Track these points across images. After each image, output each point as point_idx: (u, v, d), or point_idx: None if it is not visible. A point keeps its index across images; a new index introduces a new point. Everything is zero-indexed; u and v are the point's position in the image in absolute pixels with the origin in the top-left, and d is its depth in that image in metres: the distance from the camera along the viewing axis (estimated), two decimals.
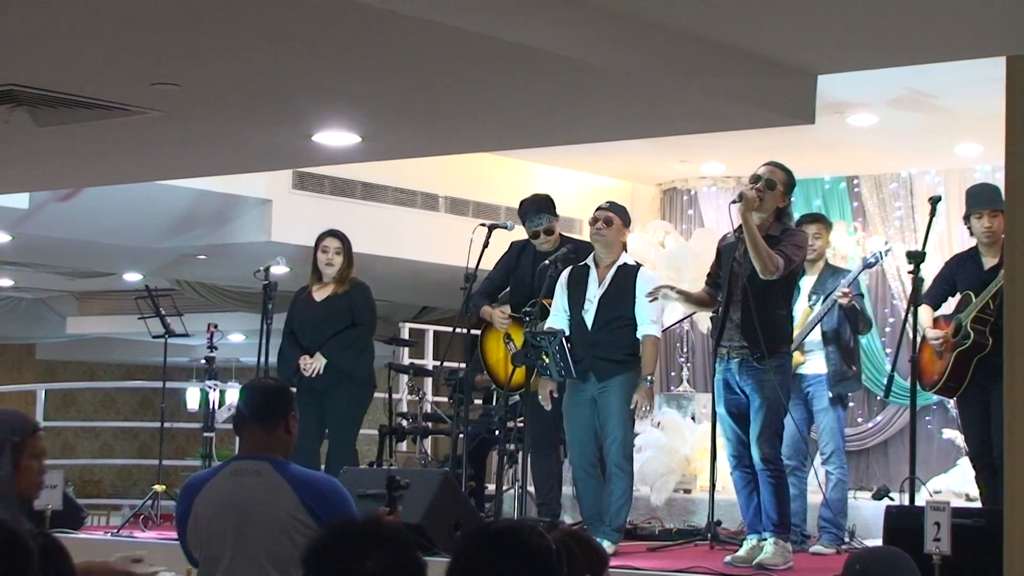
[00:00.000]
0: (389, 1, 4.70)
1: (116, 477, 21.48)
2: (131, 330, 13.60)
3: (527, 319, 7.03)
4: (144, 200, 10.14)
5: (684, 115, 6.50)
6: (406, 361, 11.08)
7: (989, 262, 6.69)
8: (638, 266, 7.12)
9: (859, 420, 10.78)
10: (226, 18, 4.98)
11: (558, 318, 7.07)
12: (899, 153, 10.25)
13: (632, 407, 6.86)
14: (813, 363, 7.38)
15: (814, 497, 7.38)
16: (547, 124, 6.81)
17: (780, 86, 6.08)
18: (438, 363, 10.12)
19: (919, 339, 6.76)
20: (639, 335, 6.89)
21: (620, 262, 7.02)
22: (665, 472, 8.85)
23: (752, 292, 6.26)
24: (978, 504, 6.84)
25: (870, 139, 9.79)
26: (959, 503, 7.25)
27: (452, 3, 4.94)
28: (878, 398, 10.60)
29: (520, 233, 7.84)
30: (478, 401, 9.10)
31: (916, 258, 6.52)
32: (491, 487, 8.53)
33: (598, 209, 7.08)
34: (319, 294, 7.84)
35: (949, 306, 6.91)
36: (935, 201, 6.74)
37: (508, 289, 7.80)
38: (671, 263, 10.04)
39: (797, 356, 7.17)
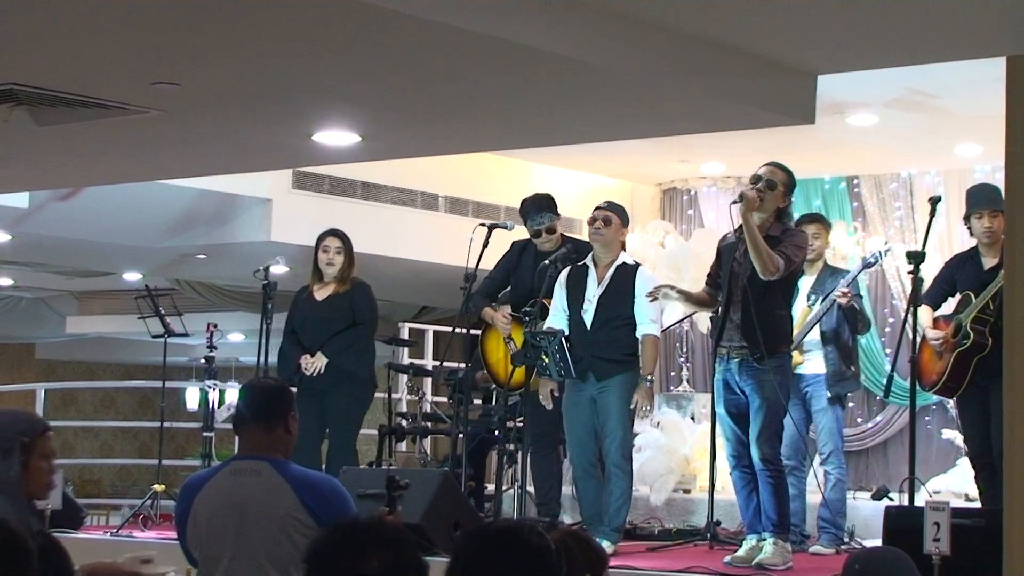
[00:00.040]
0: (390, 0, 4.70)
1: (116, 477, 21.48)
2: (131, 330, 13.60)
3: (527, 319, 7.04)
4: (144, 200, 10.14)
5: (684, 115, 6.50)
6: (406, 361, 11.07)
7: (989, 262, 6.68)
8: (637, 265, 7.11)
9: (859, 420, 10.78)
10: (226, 18, 4.98)
11: (557, 318, 7.06)
12: (899, 153, 10.25)
13: (632, 407, 6.86)
14: (812, 363, 7.38)
15: (813, 497, 7.38)
16: (547, 124, 6.81)
17: (780, 86, 6.08)
18: (438, 363, 10.12)
19: (919, 339, 6.76)
20: (638, 335, 6.89)
21: (619, 262, 7.02)
22: (665, 472, 8.86)
23: (752, 292, 6.26)
24: (978, 504, 6.83)
25: (870, 139, 9.78)
26: (959, 503, 7.26)
27: (452, 3, 4.94)
28: (878, 398, 10.60)
29: (521, 232, 7.84)
30: (477, 401, 9.09)
31: (916, 258, 6.52)
32: (491, 487, 8.52)
33: (596, 209, 7.07)
34: (320, 293, 7.84)
35: (949, 306, 6.91)
36: (935, 201, 6.74)
37: (508, 289, 7.80)
38: (671, 263, 10.04)
39: (796, 356, 7.16)
